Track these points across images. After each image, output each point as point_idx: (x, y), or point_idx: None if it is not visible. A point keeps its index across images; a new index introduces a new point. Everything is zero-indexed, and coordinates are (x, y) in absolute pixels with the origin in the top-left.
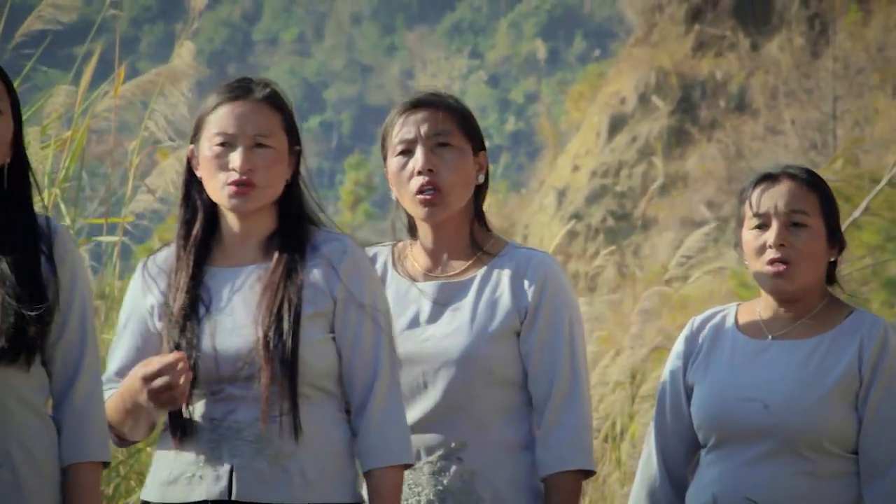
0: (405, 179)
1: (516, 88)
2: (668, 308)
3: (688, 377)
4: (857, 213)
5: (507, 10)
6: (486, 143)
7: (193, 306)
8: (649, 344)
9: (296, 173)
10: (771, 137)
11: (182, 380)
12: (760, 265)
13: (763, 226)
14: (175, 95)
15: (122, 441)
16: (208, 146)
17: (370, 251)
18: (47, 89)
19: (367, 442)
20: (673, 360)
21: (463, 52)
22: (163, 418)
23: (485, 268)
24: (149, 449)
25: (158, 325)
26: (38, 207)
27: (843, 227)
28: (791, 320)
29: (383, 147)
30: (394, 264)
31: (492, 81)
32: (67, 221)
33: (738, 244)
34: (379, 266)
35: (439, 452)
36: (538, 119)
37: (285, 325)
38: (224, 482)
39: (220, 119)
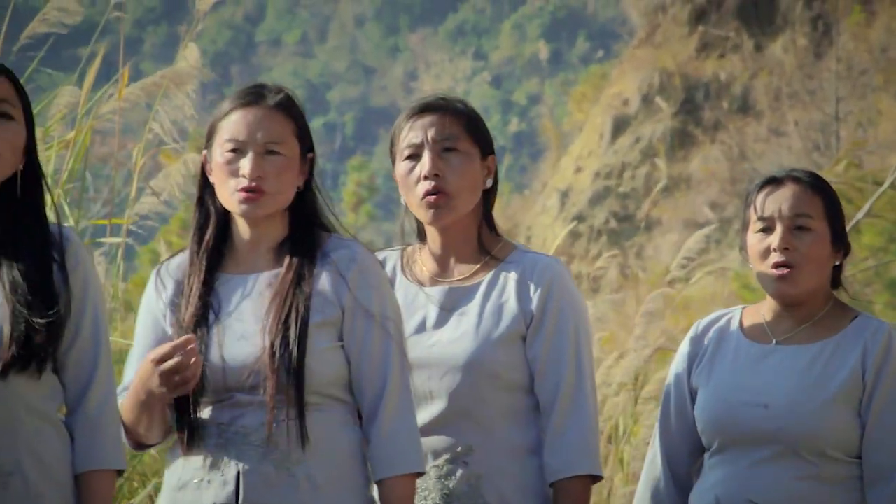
0: (412, 184)
1: (519, 90)
2: (670, 309)
3: (692, 380)
4: (859, 216)
5: (511, 12)
6: None
7: (204, 313)
8: (652, 345)
9: (308, 180)
10: (774, 139)
11: (193, 360)
12: (764, 269)
13: (767, 229)
14: (179, 97)
15: (139, 445)
16: (220, 152)
17: (379, 255)
18: (51, 91)
19: (378, 451)
20: (677, 362)
21: (466, 53)
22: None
23: (492, 272)
24: (152, 451)
25: (170, 330)
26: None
27: (848, 228)
28: (795, 324)
29: (392, 151)
30: (402, 269)
31: (495, 83)
32: (71, 223)
33: (742, 247)
34: (388, 271)
35: (446, 456)
36: (541, 120)
37: (292, 335)
38: (231, 487)
39: (232, 125)
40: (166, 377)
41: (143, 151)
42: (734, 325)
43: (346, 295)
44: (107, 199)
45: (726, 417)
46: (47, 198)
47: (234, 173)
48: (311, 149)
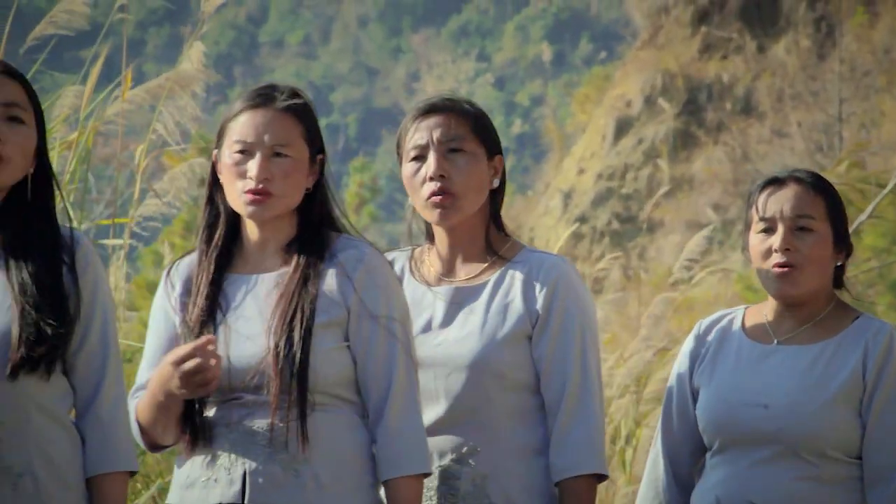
0: (418, 185)
1: (522, 91)
2: (673, 311)
3: (694, 380)
4: (863, 217)
5: (514, 13)
6: None
7: (211, 312)
8: (655, 346)
9: (318, 181)
10: (777, 140)
11: (213, 361)
12: (766, 269)
13: (769, 230)
14: (184, 98)
15: (154, 446)
16: (228, 153)
17: (388, 256)
18: (53, 92)
19: (385, 451)
20: (680, 362)
21: (469, 54)
22: None
23: (498, 272)
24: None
25: (179, 329)
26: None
27: (850, 230)
28: (797, 324)
29: (398, 152)
30: (411, 269)
31: (498, 84)
32: (74, 224)
33: (744, 248)
34: (396, 271)
35: (451, 457)
36: (544, 122)
37: (296, 335)
38: (237, 486)
39: (241, 127)
40: (187, 379)
41: (147, 153)
42: (736, 324)
43: (352, 295)
44: (109, 201)
45: (727, 417)
46: (58, 200)
47: (242, 175)
48: (321, 150)
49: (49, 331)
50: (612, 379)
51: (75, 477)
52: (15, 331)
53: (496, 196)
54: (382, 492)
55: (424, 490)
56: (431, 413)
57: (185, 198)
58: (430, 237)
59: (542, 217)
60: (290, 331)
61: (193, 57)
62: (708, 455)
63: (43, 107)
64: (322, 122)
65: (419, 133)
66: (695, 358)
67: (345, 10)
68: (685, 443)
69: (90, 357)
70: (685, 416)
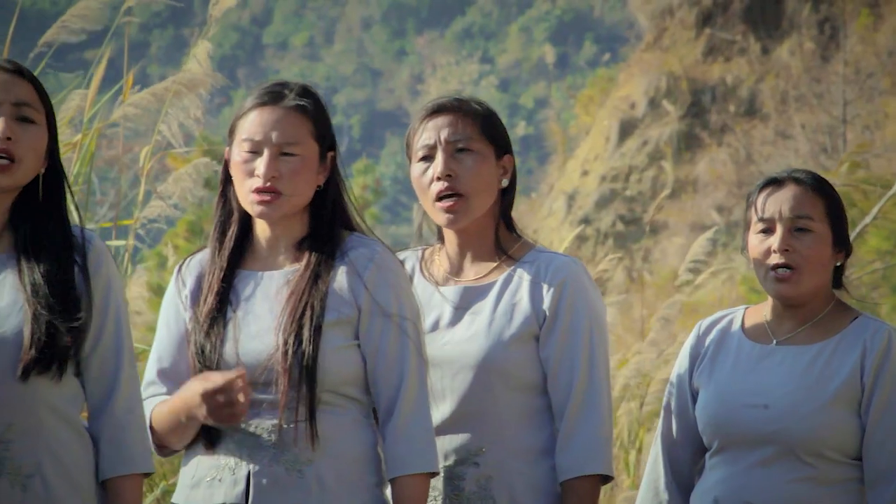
0: (426, 185)
1: (526, 93)
2: (676, 312)
3: (693, 380)
4: (867, 219)
5: (517, 15)
6: None
7: (221, 309)
8: (657, 348)
9: (330, 178)
10: (781, 142)
11: (241, 398)
12: (765, 270)
13: (768, 230)
14: (188, 99)
15: (163, 450)
16: (237, 151)
17: (399, 256)
18: (57, 93)
19: (393, 449)
20: (679, 362)
21: (473, 56)
22: None
23: (506, 272)
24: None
25: (189, 325)
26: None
27: (854, 233)
28: (796, 325)
29: (407, 154)
30: (421, 269)
31: (502, 86)
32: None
33: (744, 248)
34: (407, 271)
35: (456, 457)
36: (548, 124)
37: (305, 333)
38: (241, 486)
39: (249, 125)
40: (216, 410)
41: (151, 154)
42: (736, 325)
43: (362, 294)
44: (113, 203)
45: (726, 418)
46: (69, 201)
47: (250, 173)
48: (332, 147)
49: (61, 332)
50: (615, 381)
51: (85, 479)
52: (27, 332)
53: (506, 196)
54: (388, 492)
55: (429, 489)
56: (438, 413)
57: (190, 199)
58: (441, 237)
59: (545, 219)
60: (300, 328)
61: (200, 57)
62: (707, 455)
63: None
64: None
65: (427, 133)
66: (694, 358)
67: (348, 12)
68: (685, 443)
69: (104, 358)
70: (685, 416)
